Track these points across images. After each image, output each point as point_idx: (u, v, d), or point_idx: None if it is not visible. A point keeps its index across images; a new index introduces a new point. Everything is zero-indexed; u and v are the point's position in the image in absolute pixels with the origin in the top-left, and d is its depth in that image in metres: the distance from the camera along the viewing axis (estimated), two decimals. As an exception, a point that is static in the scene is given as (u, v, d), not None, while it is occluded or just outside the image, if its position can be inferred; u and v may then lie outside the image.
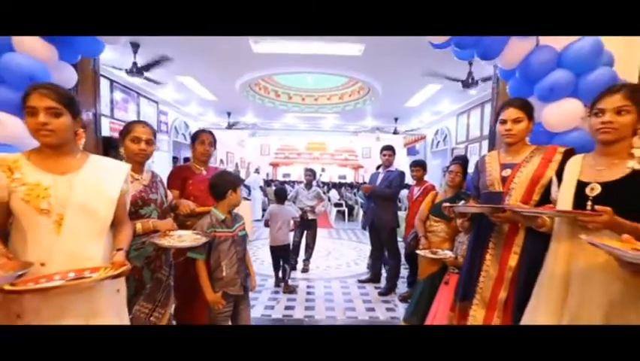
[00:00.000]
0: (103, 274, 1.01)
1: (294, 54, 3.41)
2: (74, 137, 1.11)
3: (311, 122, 8.08)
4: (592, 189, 1.13)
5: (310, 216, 3.83)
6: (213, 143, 2.07)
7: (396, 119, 7.08)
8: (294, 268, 3.80)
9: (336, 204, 8.83)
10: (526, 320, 1.32)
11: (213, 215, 1.60)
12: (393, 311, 2.79)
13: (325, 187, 9.97)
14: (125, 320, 1.22)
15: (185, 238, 1.43)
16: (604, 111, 1.09)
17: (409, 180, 3.65)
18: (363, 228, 5.02)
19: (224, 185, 1.60)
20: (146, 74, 3.87)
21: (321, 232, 4.37)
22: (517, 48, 1.53)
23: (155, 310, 1.47)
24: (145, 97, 5.30)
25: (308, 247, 3.95)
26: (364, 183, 3.88)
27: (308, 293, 3.18)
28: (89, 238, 1.08)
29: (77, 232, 1.05)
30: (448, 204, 1.63)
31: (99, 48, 1.69)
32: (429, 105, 5.81)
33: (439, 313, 2.01)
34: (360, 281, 3.53)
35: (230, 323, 1.71)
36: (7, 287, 0.87)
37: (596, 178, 1.14)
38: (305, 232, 3.86)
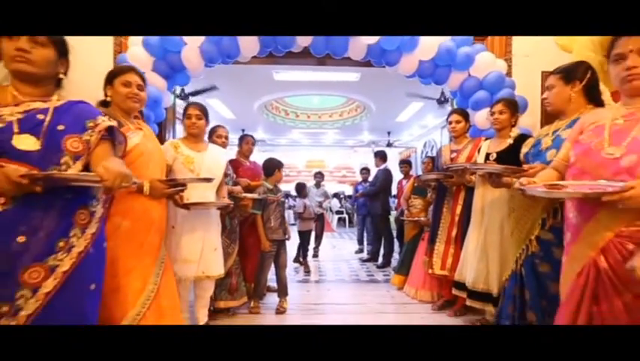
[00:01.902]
0: (220, 202, 1.86)
1: (305, 81, 4.36)
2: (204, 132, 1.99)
3: (314, 138, 9.05)
4: (492, 156, 2.00)
5: (319, 211, 4.64)
6: (254, 143, 2.96)
7: (389, 133, 8.05)
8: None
9: (338, 212, 9.61)
10: (466, 240, 2.15)
11: (264, 186, 2.45)
12: (388, 276, 3.55)
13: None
14: (220, 241, 2.03)
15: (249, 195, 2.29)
16: (494, 113, 1.98)
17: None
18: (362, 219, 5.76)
19: (273, 166, 2.47)
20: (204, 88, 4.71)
21: (324, 234, 5.06)
22: (456, 78, 2.44)
23: (230, 245, 2.29)
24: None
25: (317, 237, 4.73)
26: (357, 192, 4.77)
27: (320, 269, 3.95)
28: (210, 189, 1.92)
29: (205, 185, 1.90)
30: (415, 176, 2.49)
31: (188, 80, 2.59)
32: (416, 120, 6.78)
33: (419, 261, 2.81)
34: (362, 261, 4.31)
35: (272, 263, 2.51)
36: (186, 202, 1.71)
37: (494, 149, 2.01)
38: (314, 224, 4.65)
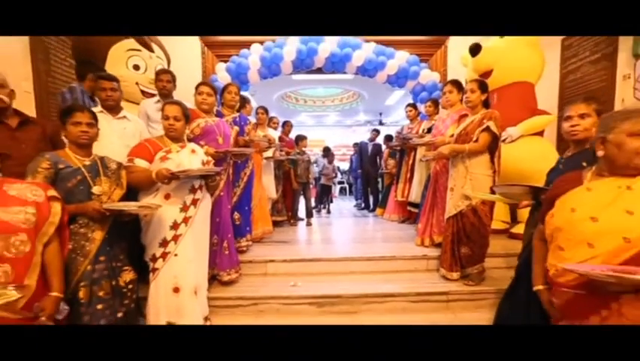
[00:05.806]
0: (280, 157, 3.59)
1: (314, 78, 5.92)
2: (266, 121, 3.66)
3: (318, 119, 10.64)
4: (425, 130, 3.67)
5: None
6: (292, 126, 4.63)
7: (380, 114, 9.66)
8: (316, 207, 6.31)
9: (339, 182, 11.37)
10: (414, 177, 3.86)
11: (296, 150, 4.15)
12: (377, 217, 5.30)
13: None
14: (273, 180, 3.77)
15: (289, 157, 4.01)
16: (426, 106, 3.63)
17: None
18: (355, 179, 7.41)
19: (300, 139, 4.17)
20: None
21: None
22: (410, 84, 4.07)
23: (279, 184, 4.02)
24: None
25: (328, 197, 6.47)
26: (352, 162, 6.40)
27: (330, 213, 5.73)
28: (270, 152, 3.63)
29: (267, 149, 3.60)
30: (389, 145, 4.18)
31: (249, 88, 4.21)
32: (402, 103, 8.36)
33: (392, 198, 4.54)
34: (358, 209, 6.09)
35: (302, 196, 4.24)
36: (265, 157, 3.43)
37: (426, 127, 3.68)
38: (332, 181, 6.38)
